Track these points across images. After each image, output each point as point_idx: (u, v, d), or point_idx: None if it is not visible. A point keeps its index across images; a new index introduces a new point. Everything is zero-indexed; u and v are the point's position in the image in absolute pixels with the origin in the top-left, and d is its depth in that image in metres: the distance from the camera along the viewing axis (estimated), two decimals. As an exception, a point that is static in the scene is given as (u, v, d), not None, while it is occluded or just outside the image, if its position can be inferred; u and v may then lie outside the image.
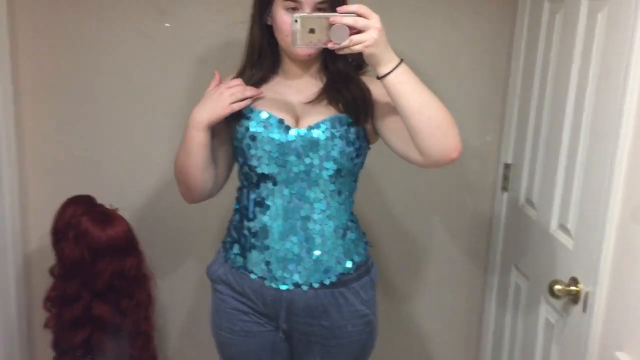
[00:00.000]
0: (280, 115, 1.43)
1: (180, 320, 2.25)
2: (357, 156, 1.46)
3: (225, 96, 1.40)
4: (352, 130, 1.43)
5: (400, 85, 1.27)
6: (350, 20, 1.21)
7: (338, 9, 1.24)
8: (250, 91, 1.43)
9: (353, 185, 1.52)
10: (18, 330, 2.05)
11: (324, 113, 1.43)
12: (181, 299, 2.22)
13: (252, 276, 1.48)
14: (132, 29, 1.99)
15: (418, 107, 1.27)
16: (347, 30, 1.22)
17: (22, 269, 2.05)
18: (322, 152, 1.41)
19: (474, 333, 2.31)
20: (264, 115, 1.42)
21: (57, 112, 2.03)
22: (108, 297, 1.81)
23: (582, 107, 1.48)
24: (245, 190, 1.50)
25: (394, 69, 1.25)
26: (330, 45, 1.24)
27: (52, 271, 1.86)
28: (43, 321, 1.90)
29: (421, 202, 2.20)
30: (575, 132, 1.51)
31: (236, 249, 1.51)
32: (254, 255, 1.47)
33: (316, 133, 1.41)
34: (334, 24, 1.22)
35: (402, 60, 1.27)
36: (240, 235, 1.50)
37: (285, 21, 1.37)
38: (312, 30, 1.24)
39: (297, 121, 1.45)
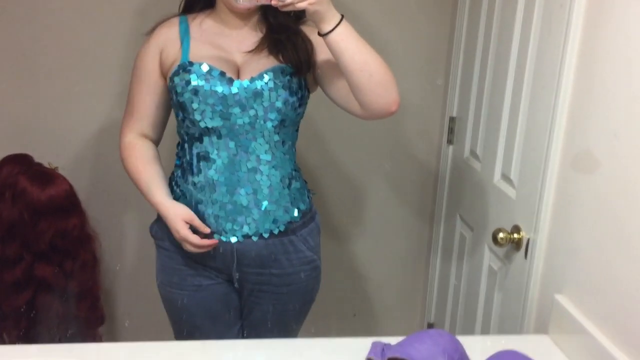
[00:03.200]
0: (221, 68, 1.40)
1: (126, 280, 2.22)
2: (300, 105, 1.46)
3: (177, 237, 1.42)
4: (295, 80, 1.43)
5: (342, 43, 1.29)
6: None
7: None
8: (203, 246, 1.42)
9: (295, 134, 1.53)
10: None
11: (266, 64, 1.42)
12: (126, 258, 2.18)
13: (199, 231, 1.44)
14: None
15: (360, 64, 1.30)
16: None
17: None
18: (266, 103, 1.40)
19: (420, 280, 2.38)
20: (204, 67, 1.39)
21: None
22: (51, 258, 1.76)
23: (524, 60, 1.51)
24: (186, 145, 1.47)
25: (336, 26, 1.27)
26: (274, 3, 1.24)
27: (-12, 232, 1.79)
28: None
29: (368, 153, 2.21)
30: (518, 85, 1.54)
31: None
32: (200, 209, 1.45)
33: (259, 84, 1.39)
34: None
35: (342, 17, 1.29)
36: (185, 190, 1.48)
37: None
38: None
39: (238, 72, 1.42)
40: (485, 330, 1.74)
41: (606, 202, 1.16)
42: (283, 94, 1.40)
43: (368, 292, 2.39)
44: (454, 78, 2.05)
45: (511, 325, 1.55)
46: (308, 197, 1.57)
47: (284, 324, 1.61)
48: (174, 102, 1.43)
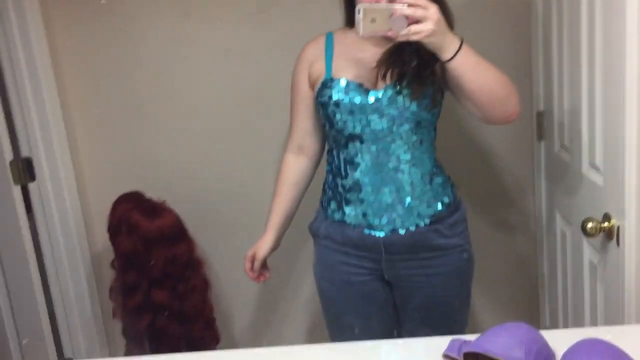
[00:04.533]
0: (359, 80, 1.52)
1: (242, 303, 2.36)
2: (434, 107, 1.53)
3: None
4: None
5: (461, 68, 1.36)
6: (409, 11, 1.29)
7: (398, 0, 1.31)
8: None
9: (433, 133, 1.61)
10: (95, 323, 2.22)
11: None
12: (240, 281, 2.32)
13: (351, 227, 1.60)
14: (161, 34, 2.11)
15: (479, 85, 1.38)
16: (406, 21, 1.30)
17: (90, 267, 2.22)
18: (400, 108, 1.50)
19: (530, 283, 2.30)
20: (343, 82, 1.52)
21: (103, 118, 2.18)
22: (165, 283, 1.93)
23: (593, 49, 1.47)
24: (334, 152, 1.62)
25: (455, 54, 1.34)
26: (390, 34, 1.32)
27: (112, 265, 2.00)
28: (112, 313, 2.05)
29: (464, 158, 2.21)
30: (591, 73, 1.50)
31: (333, 205, 1.64)
32: (350, 208, 1.59)
33: (392, 92, 1.49)
34: (394, 15, 1.30)
35: (462, 42, 1.34)
36: (335, 192, 1.62)
37: None
38: (373, 20, 1.32)
39: (375, 80, 1.52)
40: (593, 325, 1.66)
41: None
42: (414, 98, 1.49)
43: (481, 296, 2.35)
44: (536, 74, 2.01)
45: (615, 316, 1.48)
46: (452, 191, 1.65)
47: (448, 310, 1.67)
48: (321, 114, 1.59)
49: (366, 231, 1.59)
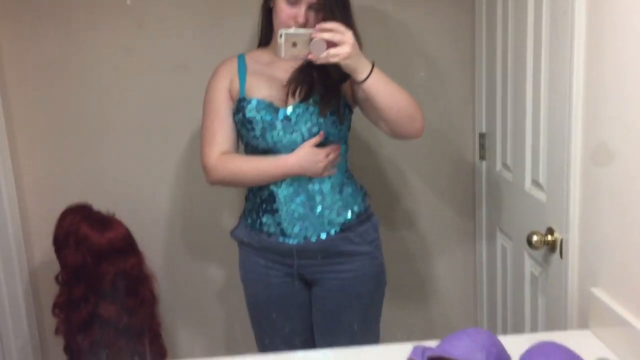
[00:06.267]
0: (270, 98, 1.63)
1: (187, 317, 2.33)
2: (341, 123, 1.64)
3: (321, 166, 1.61)
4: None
5: (374, 88, 1.50)
6: (327, 35, 1.42)
7: (317, 26, 1.44)
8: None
9: (343, 147, 1.71)
10: (31, 340, 2.13)
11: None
12: (184, 296, 2.30)
13: (267, 235, 1.70)
14: (113, 44, 2.08)
15: (389, 103, 1.52)
16: (325, 45, 1.42)
17: (28, 283, 2.13)
18: (308, 125, 1.61)
19: (470, 295, 2.40)
20: (254, 102, 1.62)
21: (46, 129, 2.11)
22: (113, 297, 1.89)
23: (539, 69, 1.58)
24: None
25: (368, 76, 1.47)
26: (310, 57, 1.44)
27: (57, 279, 1.93)
28: (53, 329, 1.97)
29: (406, 176, 2.30)
30: (536, 93, 1.61)
31: (252, 214, 1.73)
32: (266, 218, 1.68)
33: (300, 109, 1.60)
34: (313, 39, 1.42)
35: (373, 65, 1.47)
36: (253, 203, 1.72)
37: (281, 9, 1.55)
38: (294, 44, 1.44)
39: (286, 97, 1.62)
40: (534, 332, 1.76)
41: (629, 191, 1.20)
42: (321, 115, 1.60)
43: (423, 312, 2.43)
44: (479, 97, 2.12)
45: (557, 324, 1.57)
46: (363, 201, 1.74)
47: (360, 315, 1.74)
48: (237, 129, 1.67)
49: (280, 239, 1.68)
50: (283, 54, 1.45)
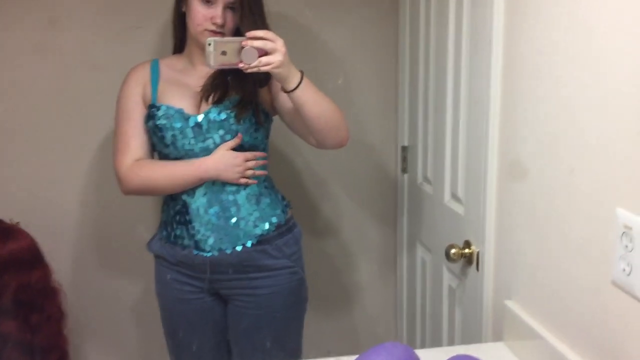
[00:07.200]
0: (181, 105, 1.58)
1: (98, 335, 2.21)
2: (256, 131, 1.60)
3: (239, 170, 1.57)
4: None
5: (303, 97, 1.48)
6: (259, 43, 1.38)
7: (247, 33, 1.40)
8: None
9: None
10: None
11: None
12: (96, 312, 2.18)
13: (182, 248, 1.64)
14: (25, 43, 1.96)
15: (317, 113, 1.51)
16: (256, 53, 1.38)
17: None
18: (221, 132, 1.57)
19: (390, 307, 2.40)
20: (165, 108, 1.58)
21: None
22: (16, 312, 1.76)
23: (458, 84, 1.61)
24: None
25: (298, 85, 1.45)
26: (240, 66, 1.40)
27: (-49, 292, 1.79)
28: (-53, 347, 1.82)
29: (329, 188, 2.28)
30: (456, 107, 1.64)
31: (166, 226, 1.67)
32: (180, 230, 1.63)
33: (212, 116, 1.55)
34: (244, 47, 1.38)
35: (302, 74, 1.47)
36: (167, 214, 1.67)
37: (197, 10, 1.51)
38: (224, 53, 1.39)
39: (199, 104, 1.58)
40: (451, 345, 1.77)
41: (542, 206, 1.23)
42: (236, 121, 1.56)
43: (345, 324, 2.41)
44: (402, 110, 2.15)
45: (472, 337, 1.59)
46: (283, 212, 1.68)
47: (276, 333, 1.68)
48: (150, 137, 1.62)
49: (195, 251, 1.62)
50: (212, 63, 1.40)
